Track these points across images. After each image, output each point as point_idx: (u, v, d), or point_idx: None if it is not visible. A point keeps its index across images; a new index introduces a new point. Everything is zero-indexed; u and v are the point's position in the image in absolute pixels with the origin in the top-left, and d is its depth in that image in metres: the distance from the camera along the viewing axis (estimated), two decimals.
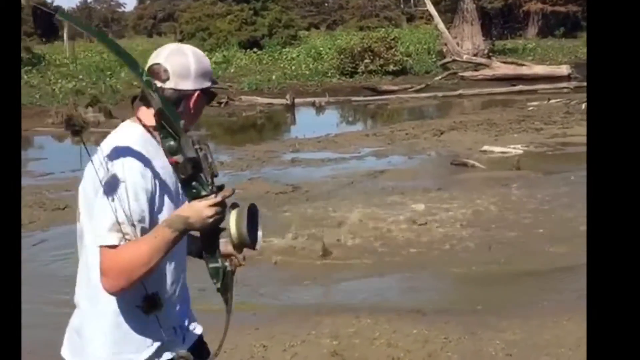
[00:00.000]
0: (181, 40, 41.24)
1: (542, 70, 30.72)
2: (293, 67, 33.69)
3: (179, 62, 2.61)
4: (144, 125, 2.57)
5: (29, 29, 54.95)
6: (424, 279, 7.61)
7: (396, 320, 6.14)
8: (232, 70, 32.63)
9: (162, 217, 2.50)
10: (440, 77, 30.84)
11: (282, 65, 34.52)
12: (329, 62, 33.44)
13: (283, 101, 24.82)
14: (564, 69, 29.94)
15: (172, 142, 2.40)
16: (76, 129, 2.33)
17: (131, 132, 2.58)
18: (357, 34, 38.94)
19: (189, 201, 2.46)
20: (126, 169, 2.43)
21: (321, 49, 37.71)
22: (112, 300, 2.51)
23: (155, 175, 2.50)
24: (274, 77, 30.92)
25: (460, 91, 27.01)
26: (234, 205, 2.55)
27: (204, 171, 2.41)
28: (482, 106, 23.73)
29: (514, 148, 14.67)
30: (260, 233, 2.63)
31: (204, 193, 2.43)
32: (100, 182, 2.41)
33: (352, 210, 9.97)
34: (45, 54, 35.25)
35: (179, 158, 2.40)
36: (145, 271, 2.39)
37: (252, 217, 2.57)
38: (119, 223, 2.37)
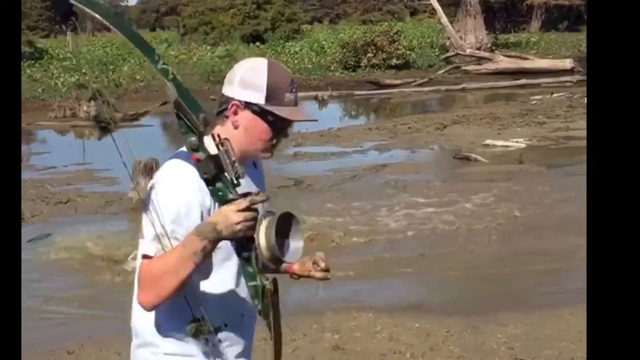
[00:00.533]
0: (184, 35, 41.28)
1: (545, 64, 30.65)
2: (296, 61, 33.64)
3: (234, 68, 2.51)
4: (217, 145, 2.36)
5: (31, 22, 54.97)
6: (425, 273, 7.60)
7: (398, 314, 6.15)
8: (234, 64, 32.57)
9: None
10: (443, 71, 30.75)
11: (284, 59, 34.44)
12: (332, 56, 33.39)
13: None
14: (567, 63, 29.86)
15: (193, 138, 2.23)
16: (103, 125, 2.21)
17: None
18: (360, 28, 38.79)
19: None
20: (182, 181, 2.32)
21: (324, 43, 37.66)
22: (161, 333, 2.42)
23: (206, 194, 2.33)
24: None
25: (463, 85, 26.97)
26: (269, 214, 2.32)
27: (225, 170, 2.23)
28: (485, 100, 23.71)
29: (517, 142, 14.66)
30: (299, 244, 2.42)
31: (230, 196, 2.24)
32: (153, 194, 2.30)
33: (354, 204, 9.98)
34: (48, 48, 35.24)
35: (200, 155, 2.23)
36: (174, 283, 2.23)
37: (286, 225, 2.36)
38: (159, 235, 2.25)
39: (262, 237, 2.25)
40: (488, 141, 14.77)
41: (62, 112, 20.64)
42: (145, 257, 2.29)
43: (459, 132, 16.37)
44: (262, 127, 2.45)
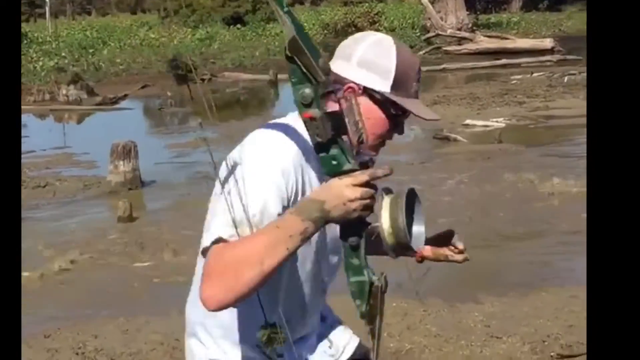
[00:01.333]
0: (165, 18, 41.05)
1: (525, 44, 30.66)
2: (277, 43, 33.52)
3: (349, 41, 2.07)
4: None
5: None
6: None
7: None
8: (215, 47, 32.47)
9: None
10: (423, 51, 30.72)
11: (265, 41, 34.35)
12: (313, 38, 33.24)
13: (267, 77, 24.66)
14: (548, 43, 29.88)
15: (307, 90, 1.70)
16: (180, 73, 1.76)
17: (291, 122, 2.00)
18: (341, 9, 38.73)
19: (327, 179, 1.78)
20: (263, 162, 1.89)
21: (305, 24, 37.56)
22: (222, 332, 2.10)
23: (302, 180, 1.93)
24: (257, 53, 30.80)
25: (443, 65, 26.92)
26: (387, 191, 1.86)
27: (349, 133, 1.75)
28: (465, 80, 23.70)
29: (496, 122, 14.70)
30: (421, 228, 1.98)
31: (347, 167, 1.74)
32: (230, 176, 1.88)
33: None
34: (27, 32, 34.95)
35: (314, 112, 1.70)
36: (255, 276, 1.71)
37: (412, 206, 1.92)
38: (236, 222, 1.77)
39: (387, 219, 1.81)
40: (468, 121, 14.80)
41: (41, 96, 20.57)
42: (216, 242, 1.79)
43: (439, 112, 16.32)
44: (380, 120, 2.06)
